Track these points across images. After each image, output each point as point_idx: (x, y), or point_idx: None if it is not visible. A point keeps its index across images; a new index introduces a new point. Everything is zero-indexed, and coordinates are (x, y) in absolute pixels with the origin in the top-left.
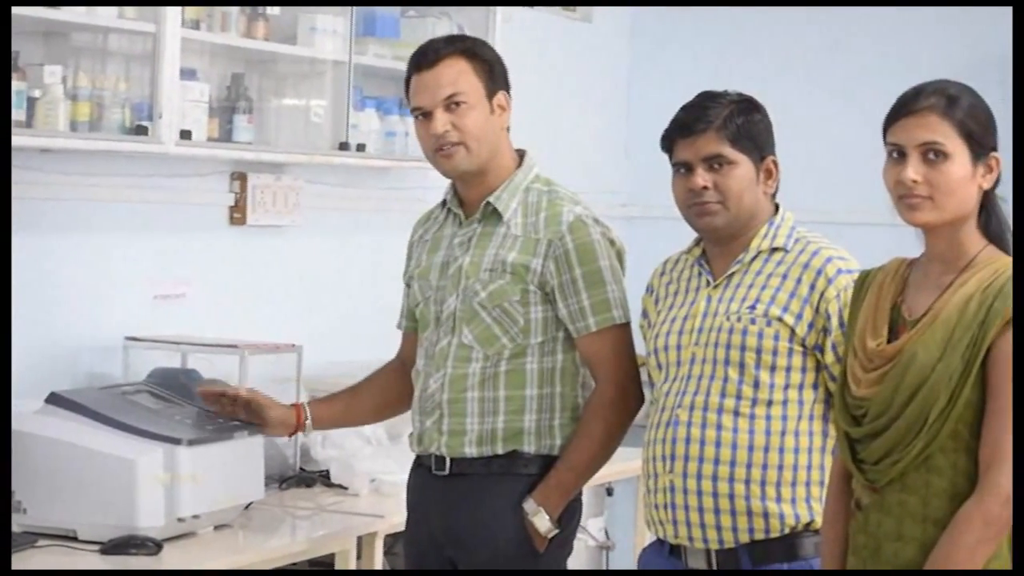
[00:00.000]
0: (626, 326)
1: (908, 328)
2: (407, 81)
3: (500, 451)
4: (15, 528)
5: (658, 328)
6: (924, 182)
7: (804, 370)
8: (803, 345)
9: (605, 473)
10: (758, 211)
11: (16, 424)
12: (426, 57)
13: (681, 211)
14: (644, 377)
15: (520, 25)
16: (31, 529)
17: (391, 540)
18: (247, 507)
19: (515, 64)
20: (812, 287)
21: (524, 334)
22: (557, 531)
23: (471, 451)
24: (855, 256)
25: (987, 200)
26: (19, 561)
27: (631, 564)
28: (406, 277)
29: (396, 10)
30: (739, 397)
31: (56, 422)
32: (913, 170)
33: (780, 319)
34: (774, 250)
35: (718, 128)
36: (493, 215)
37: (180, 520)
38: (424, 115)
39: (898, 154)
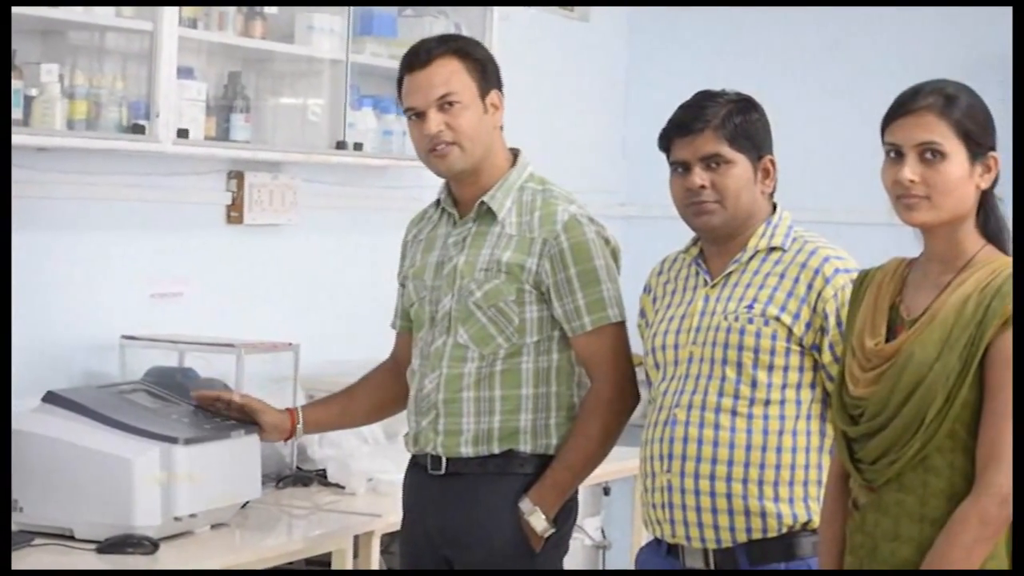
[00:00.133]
0: (621, 325)
1: (906, 328)
2: (399, 82)
3: (496, 450)
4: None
5: (656, 327)
6: (921, 182)
7: (802, 370)
8: (800, 345)
9: (602, 472)
10: (756, 210)
11: (13, 423)
12: (418, 57)
13: (679, 210)
14: (641, 376)
15: (517, 24)
16: (28, 528)
17: (388, 539)
18: (244, 506)
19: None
20: (810, 287)
21: (519, 333)
22: (553, 530)
23: (467, 451)
24: (854, 256)
25: (985, 200)
26: (16, 560)
27: (628, 564)
28: (400, 277)
29: (393, 9)
30: (737, 397)
31: (53, 421)
32: (910, 170)
33: (778, 318)
34: (772, 249)
35: (716, 127)
36: (487, 215)
37: (177, 519)
38: (417, 115)
39: (895, 154)
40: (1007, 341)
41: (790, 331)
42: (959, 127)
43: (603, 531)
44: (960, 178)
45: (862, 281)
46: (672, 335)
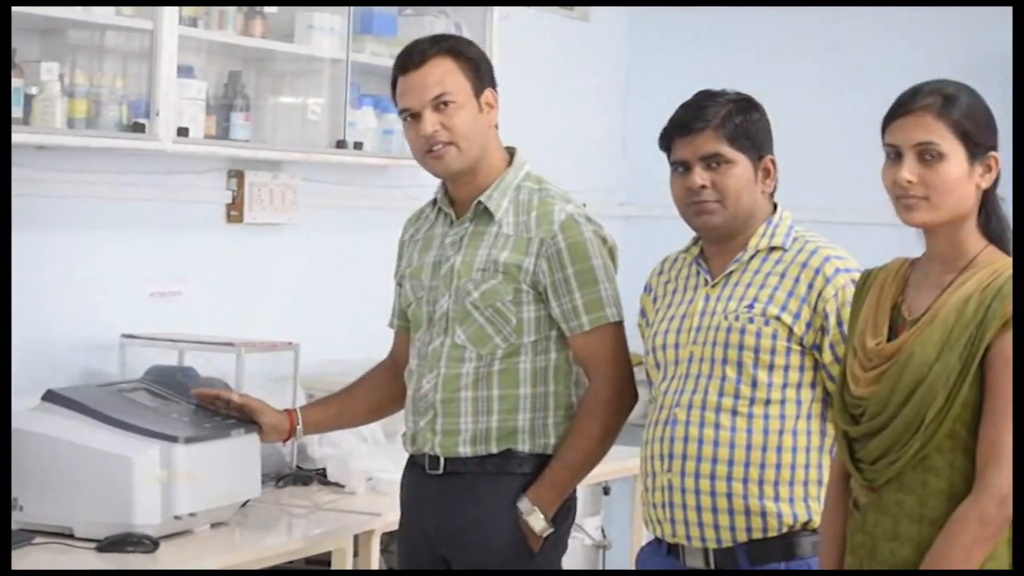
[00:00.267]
0: (619, 324)
1: (908, 328)
2: (393, 83)
3: (494, 450)
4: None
5: (656, 327)
6: (920, 182)
7: (802, 369)
8: (801, 344)
9: (602, 472)
10: (756, 210)
11: (13, 422)
12: (411, 58)
13: (679, 210)
14: (641, 376)
15: (517, 24)
16: (27, 527)
17: (387, 538)
18: (244, 505)
19: (512, 63)
20: (810, 286)
21: (517, 333)
22: (552, 530)
23: (465, 450)
24: (857, 256)
25: (987, 200)
26: (16, 559)
27: (628, 563)
28: (397, 276)
29: (393, 8)
30: (737, 396)
31: (53, 420)
32: (908, 171)
33: (778, 318)
34: (772, 249)
35: (716, 127)
36: (484, 214)
37: (177, 518)
38: (412, 116)
39: (895, 154)
40: (1007, 342)
41: (790, 331)
42: (957, 127)
43: (603, 531)
44: (959, 178)
45: (865, 281)
46: (673, 335)
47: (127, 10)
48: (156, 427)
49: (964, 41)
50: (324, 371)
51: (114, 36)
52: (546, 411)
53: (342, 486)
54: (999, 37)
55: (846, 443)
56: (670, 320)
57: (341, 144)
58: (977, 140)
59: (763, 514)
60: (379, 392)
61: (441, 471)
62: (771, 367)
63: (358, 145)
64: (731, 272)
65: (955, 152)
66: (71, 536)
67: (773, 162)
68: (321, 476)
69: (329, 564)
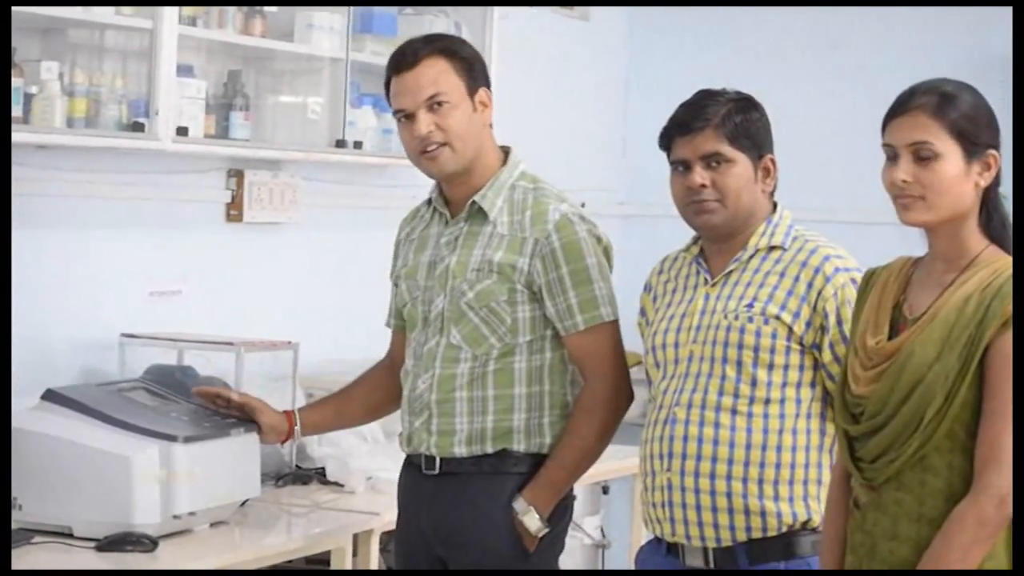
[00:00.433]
0: (614, 323)
1: (908, 327)
2: (387, 83)
3: (490, 450)
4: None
5: (656, 326)
6: (915, 182)
7: (802, 368)
8: (801, 343)
9: (601, 471)
10: (756, 209)
11: (12, 421)
12: (405, 58)
13: (679, 209)
14: (639, 375)
15: (517, 24)
16: (27, 526)
17: (387, 538)
18: (243, 504)
19: (512, 63)
20: (810, 285)
21: (512, 333)
22: (547, 530)
23: (461, 451)
24: (858, 255)
25: (988, 198)
26: (15, 558)
27: (627, 562)
28: (393, 276)
29: (393, 8)
30: (737, 395)
31: (52, 419)
32: (903, 170)
33: (778, 317)
34: (772, 248)
35: (716, 126)
36: (479, 214)
37: (176, 517)
38: (406, 117)
39: (892, 154)
40: (1007, 342)
41: (790, 330)
42: (953, 126)
43: (602, 530)
44: (955, 177)
45: (868, 279)
46: (672, 334)
47: (127, 9)
48: (155, 426)
49: (964, 41)
50: (323, 370)
51: (114, 35)
52: (541, 411)
53: (341, 485)
54: (999, 37)
55: (846, 442)
56: (670, 319)
57: (341, 143)
58: (973, 139)
59: (763, 513)
60: (377, 392)
61: (437, 471)
62: (771, 366)
63: (358, 144)
64: (731, 271)
65: (951, 151)
66: (70, 535)
67: (773, 161)
68: (320, 475)
69: (328, 563)
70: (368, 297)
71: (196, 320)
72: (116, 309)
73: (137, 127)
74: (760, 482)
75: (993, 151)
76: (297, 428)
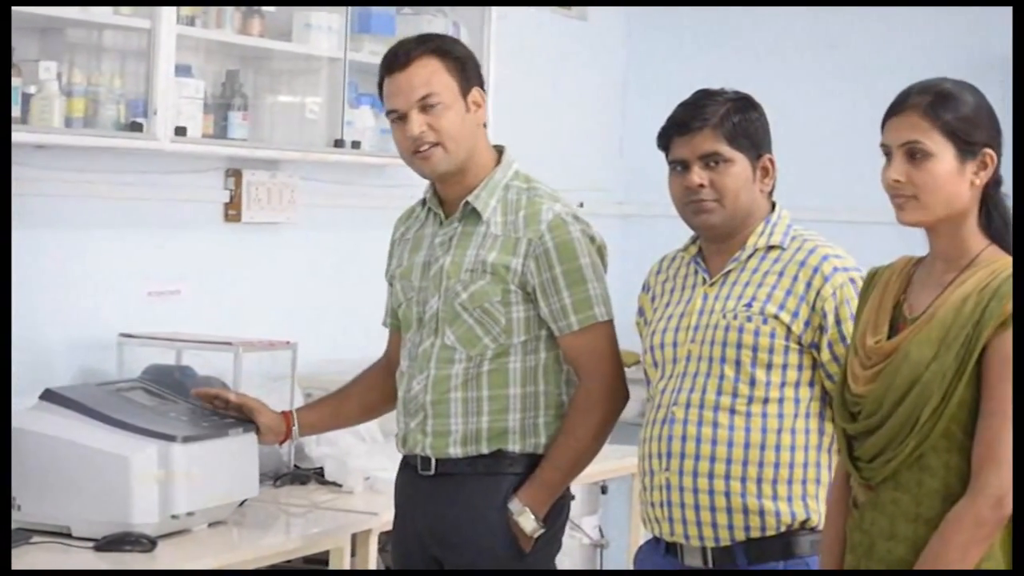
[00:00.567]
0: (608, 323)
1: (908, 326)
2: (380, 83)
3: (485, 451)
4: None
5: (654, 326)
6: (908, 181)
7: (800, 368)
8: (799, 343)
9: (599, 471)
10: (755, 209)
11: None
12: (397, 59)
13: (677, 209)
14: (639, 375)
15: (515, 23)
16: (25, 526)
17: (385, 538)
18: (241, 504)
19: (510, 62)
20: (808, 285)
21: (506, 334)
22: (543, 530)
23: (456, 451)
24: (858, 255)
25: (988, 198)
26: (14, 558)
27: (626, 562)
28: (388, 276)
29: (392, 7)
30: (735, 395)
31: (51, 419)
32: (895, 170)
33: (776, 317)
34: (771, 248)
35: (715, 126)
36: (473, 215)
37: (174, 517)
38: (399, 117)
39: (888, 154)
40: (1004, 342)
41: (789, 329)
42: (945, 126)
43: (601, 530)
44: (947, 176)
45: (871, 279)
46: (671, 333)
47: (125, 9)
48: (154, 426)
49: (964, 41)
50: (322, 370)
51: (112, 35)
52: (536, 411)
53: (340, 485)
54: (999, 37)
55: (845, 441)
56: (668, 319)
57: (339, 143)
58: (967, 138)
59: (761, 513)
60: (373, 393)
61: (432, 472)
62: (769, 366)
63: (356, 144)
64: (729, 271)
65: (943, 150)
66: (69, 535)
67: (771, 161)
68: (319, 475)
69: (327, 563)
70: (366, 297)
71: (194, 320)
72: (114, 309)
73: (135, 127)
74: (759, 481)
75: (989, 150)
76: (295, 428)
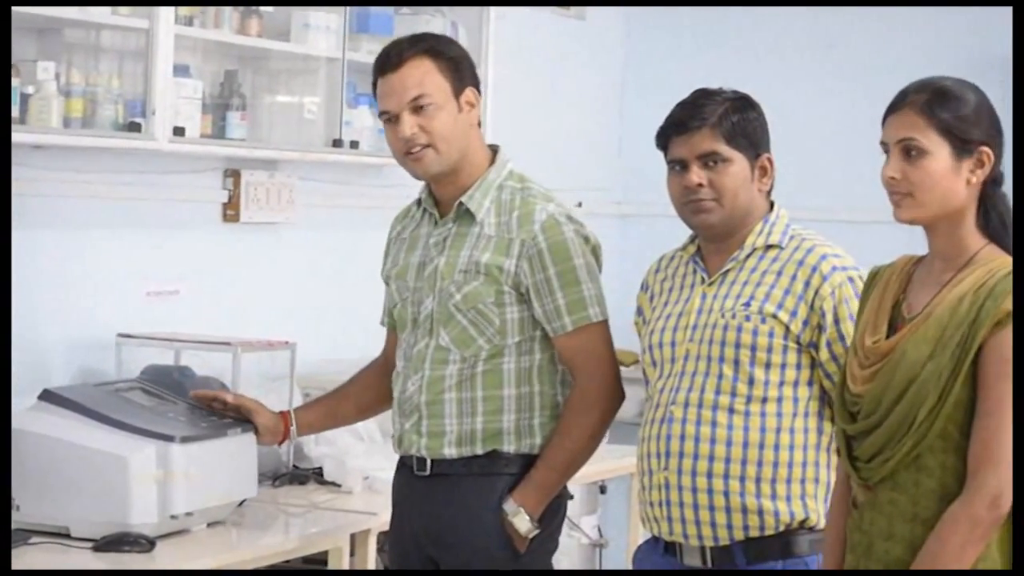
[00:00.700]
0: (603, 324)
1: (906, 326)
2: (374, 84)
3: (480, 451)
4: None
5: (653, 325)
6: (904, 178)
7: (799, 367)
8: (798, 342)
9: (598, 471)
10: (753, 209)
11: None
12: (390, 60)
13: (676, 209)
14: (638, 374)
15: (514, 23)
16: (24, 526)
17: (384, 537)
18: (240, 504)
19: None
20: (807, 284)
21: (500, 335)
22: (538, 531)
23: (451, 452)
24: (858, 255)
25: (986, 197)
26: (13, 559)
27: (625, 562)
28: (384, 275)
29: (390, 7)
30: (734, 394)
31: (49, 419)
32: (891, 167)
33: (775, 316)
34: (769, 247)
35: (713, 125)
36: (467, 215)
37: (173, 517)
38: (391, 119)
39: (886, 151)
40: (1000, 341)
41: (787, 328)
42: (941, 123)
43: (600, 529)
44: (942, 174)
45: (872, 278)
46: (669, 332)
47: (123, 9)
48: (152, 426)
49: (964, 41)
50: (321, 370)
51: (110, 35)
52: (531, 411)
53: (339, 485)
54: (999, 37)
55: (845, 441)
56: (667, 318)
57: (337, 143)
58: (963, 136)
59: (760, 512)
60: (369, 392)
61: (428, 472)
62: (768, 365)
63: (354, 144)
64: (728, 270)
65: (938, 148)
66: (67, 536)
67: (770, 160)
68: (318, 475)
69: (326, 563)
70: (365, 297)
71: (193, 320)
72: (113, 309)
73: (133, 127)
74: (757, 481)
75: (986, 148)
76: (293, 428)
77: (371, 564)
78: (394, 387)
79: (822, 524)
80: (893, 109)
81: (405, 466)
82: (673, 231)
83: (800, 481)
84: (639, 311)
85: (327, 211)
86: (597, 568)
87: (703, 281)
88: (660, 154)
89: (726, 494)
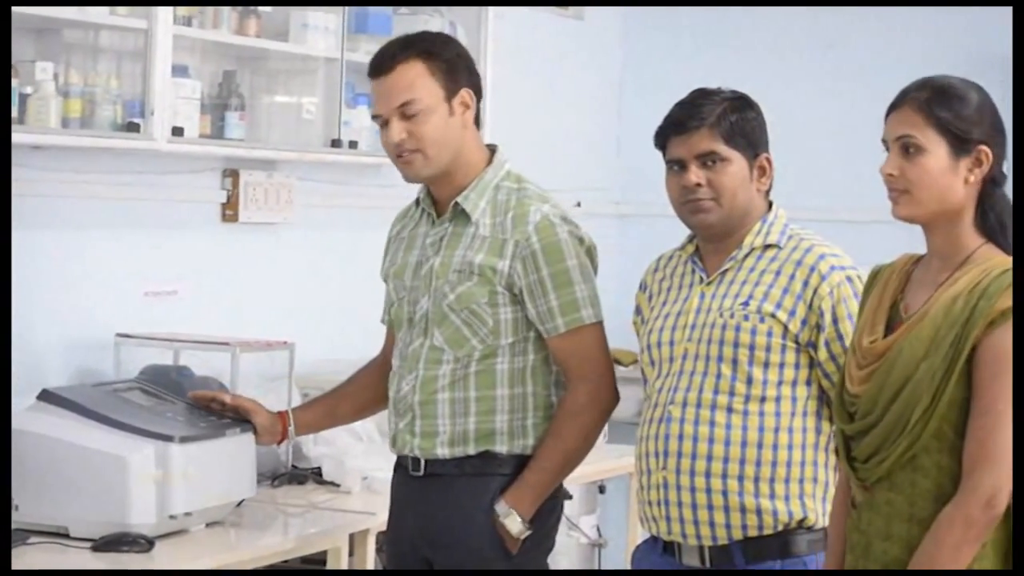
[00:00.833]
0: (597, 325)
1: (903, 325)
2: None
3: (472, 452)
4: None
5: (651, 324)
6: (901, 176)
7: (797, 367)
8: (796, 342)
9: (597, 470)
10: (751, 208)
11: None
12: (381, 64)
13: (675, 208)
14: (636, 374)
15: (512, 23)
16: (23, 526)
17: (383, 537)
18: (239, 504)
19: (507, 62)
20: (805, 284)
21: (494, 335)
22: (530, 532)
23: (443, 452)
24: (860, 255)
25: (985, 196)
26: (12, 558)
27: (623, 561)
28: (383, 274)
29: (388, 7)
30: (732, 393)
31: (48, 419)
32: (889, 164)
33: (773, 315)
34: (767, 247)
35: (712, 125)
36: (463, 215)
37: (172, 517)
38: (383, 123)
39: (886, 148)
40: (993, 340)
41: (786, 328)
42: (939, 121)
43: (599, 529)
44: (939, 172)
45: (873, 277)
46: (668, 332)
47: (121, 10)
48: (151, 426)
49: (964, 41)
50: (319, 370)
51: (108, 36)
52: (525, 412)
53: (337, 485)
54: (999, 37)
55: (843, 441)
56: (665, 318)
57: (336, 143)
58: (962, 134)
59: (758, 512)
60: (367, 392)
61: (422, 473)
62: (766, 364)
63: (353, 144)
64: (726, 270)
65: (936, 146)
66: (66, 536)
67: (768, 160)
68: (316, 475)
69: (325, 563)
70: (364, 297)
71: (192, 320)
72: (112, 309)
73: (132, 127)
74: (756, 480)
75: (985, 147)
76: (291, 428)
77: (370, 564)
78: (390, 386)
79: (821, 524)
80: (894, 107)
81: (401, 466)
82: (672, 231)
83: (799, 481)
84: (637, 311)
85: (326, 211)
86: (596, 568)
87: (701, 281)
88: (659, 154)
89: (725, 494)
